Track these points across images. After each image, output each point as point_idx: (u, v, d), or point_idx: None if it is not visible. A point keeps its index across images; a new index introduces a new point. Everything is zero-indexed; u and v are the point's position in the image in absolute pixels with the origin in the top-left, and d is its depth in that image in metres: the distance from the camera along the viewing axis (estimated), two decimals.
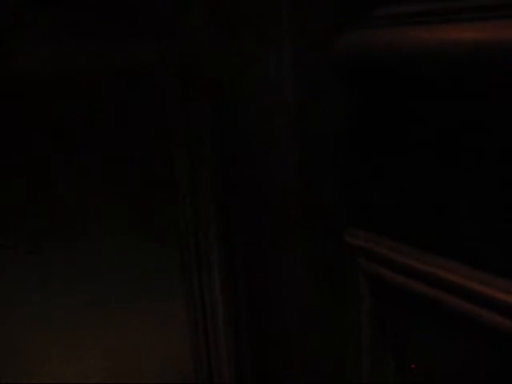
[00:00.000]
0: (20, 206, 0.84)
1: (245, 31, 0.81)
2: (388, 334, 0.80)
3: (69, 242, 0.87)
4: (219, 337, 0.98)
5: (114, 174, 0.89)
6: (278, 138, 0.80)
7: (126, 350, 0.95)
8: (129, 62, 0.85)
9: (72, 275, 0.88)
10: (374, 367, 0.82)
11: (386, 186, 0.74)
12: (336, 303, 0.83)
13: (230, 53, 0.85)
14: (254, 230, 0.91)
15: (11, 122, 0.81)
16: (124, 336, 0.95)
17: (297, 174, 0.79)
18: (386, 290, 0.77)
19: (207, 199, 0.89)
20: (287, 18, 0.73)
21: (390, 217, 0.75)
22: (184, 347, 0.98)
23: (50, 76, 0.80)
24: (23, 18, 0.76)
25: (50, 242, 0.86)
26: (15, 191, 0.83)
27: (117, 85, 0.86)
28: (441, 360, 0.74)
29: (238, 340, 0.98)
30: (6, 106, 0.79)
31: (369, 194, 0.77)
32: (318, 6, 0.69)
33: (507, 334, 0.59)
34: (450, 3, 0.56)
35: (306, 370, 0.88)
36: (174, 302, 0.96)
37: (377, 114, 0.70)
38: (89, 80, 0.83)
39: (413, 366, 0.77)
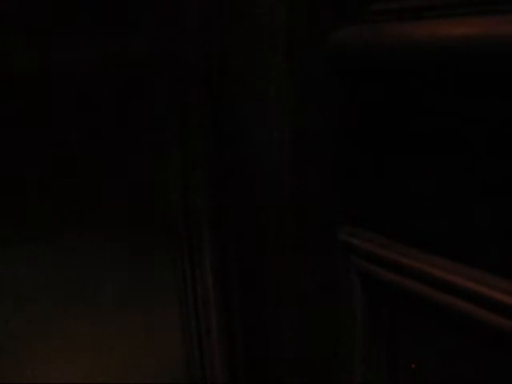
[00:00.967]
0: (8, 199, 0.84)
1: (239, 28, 0.81)
2: (381, 331, 0.80)
3: (57, 237, 0.87)
4: (212, 334, 0.97)
5: (105, 169, 0.89)
6: (271, 134, 0.80)
7: (116, 348, 0.95)
8: (120, 58, 0.85)
9: (61, 271, 0.88)
10: (366, 363, 0.82)
11: (379, 183, 0.74)
12: (329, 300, 0.83)
13: (223, 50, 0.85)
14: (245, 228, 0.91)
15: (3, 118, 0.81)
16: (113, 333, 0.94)
17: (290, 170, 0.79)
18: (378, 287, 0.77)
19: (199, 196, 0.90)
20: (283, 13, 0.72)
21: (383, 215, 0.75)
22: (176, 346, 0.98)
23: (36, 72, 0.80)
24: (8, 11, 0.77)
25: (38, 238, 0.86)
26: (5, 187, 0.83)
27: (107, 82, 0.86)
28: (432, 356, 0.74)
29: (231, 337, 0.98)
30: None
31: (362, 191, 0.77)
32: (315, 0, 0.69)
33: (497, 329, 0.59)
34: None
35: (299, 367, 0.88)
36: (165, 299, 0.96)
37: (371, 110, 0.70)
38: (79, 76, 0.83)
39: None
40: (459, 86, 0.59)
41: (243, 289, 0.95)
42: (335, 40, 0.68)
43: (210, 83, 0.87)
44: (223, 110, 0.89)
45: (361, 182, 0.77)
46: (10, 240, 0.85)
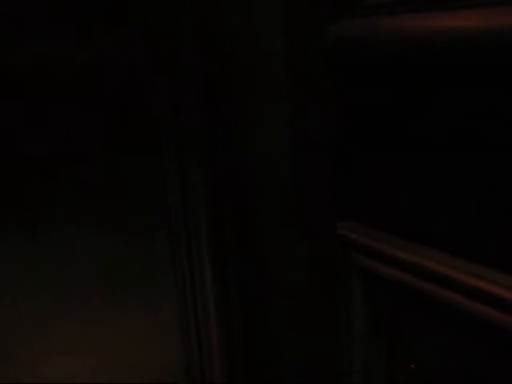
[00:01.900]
0: (6, 200, 0.84)
1: (237, 24, 0.80)
2: (380, 326, 0.79)
3: (56, 237, 0.87)
4: (211, 334, 0.97)
5: (103, 169, 0.89)
6: (269, 130, 0.80)
7: (115, 348, 0.95)
8: (117, 57, 0.85)
9: (59, 272, 0.88)
10: (366, 359, 0.82)
11: (378, 178, 0.74)
12: (328, 295, 0.83)
13: (223, 50, 0.85)
14: (245, 227, 0.91)
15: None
16: (112, 333, 0.94)
17: (288, 166, 0.79)
18: (377, 282, 0.76)
19: (198, 194, 0.89)
20: (281, 9, 0.72)
21: (381, 209, 0.75)
22: (174, 346, 0.98)
23: (34, 71, 0.80)
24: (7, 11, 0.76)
25: (36, 237, 0.86)
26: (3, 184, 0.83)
27: (104, 81, 0.86)
28: (432, 353, 0.74)
29: (230, 337, 0.98)
30: None
31: (361, 186, 0.77)
32: None
33: (496, 325, 0.59)
34: None
35: (299, 364, 0.88)
36: (164, 300, 0.96)
37: (369, 105, 0.70)
38: (75, 76, 0.83)
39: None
40: (456, 79, 0.58)
41: (242, 287, 0.95)
42: (331, 35, 0.67)
43: (210, 83, 0.87)
44: (222, 109, 0.88)
45: (360, 177, 0.76)
46: (5, 238, 0.85)
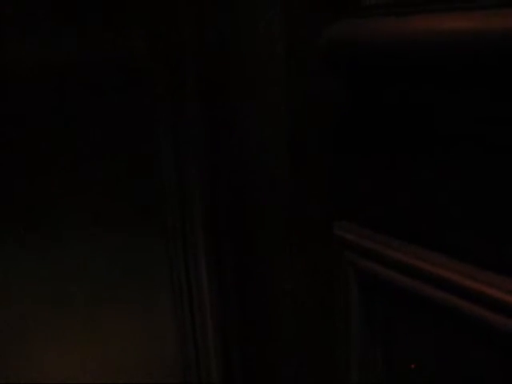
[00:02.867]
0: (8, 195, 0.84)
1: (237, 27, 0.81)
2: (376, 326, 0.79)
3: (54, 233, 0.87)
4: (207, 331, 0.97)
5: (101, 166, 0.89)
6: (268, 129, 0.80)
7: (111, 350, 0.95)
8: (116, 52, 0.85)
9: (57, 266, 0.88)
10: (362, 359, 0.82)
11: (376, 179, 0.74)
12: (325, 295, 0.83)
13: (222, 49, 0.85)
14: (241, 226, 0.91)
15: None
16: (109, 335, 0.94)
17: (285, 164, 0.79)
18: (373, 282, 0.77)
19: (195, 194, 0.90)
20: (281, 9, 0.72)
21: (378, 211, 0.75)
22: (171, 344, 0.98)
23: (32, 66, 0.80)
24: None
25: (34, 234, 0.86)
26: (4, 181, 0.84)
27: (104, 81, 0.86)
28: (430, 352, 0.74)
29: (226, 336, 0.98)
30: None
31: (358, 187, 0.77)
32: None
33: (494, 327, 0.59)
34: None
35: (296, 365, 0.88)
36: (160, 294, 0.96)
37: (365, 104, 0.70)
38: (75, 70, 0.83)
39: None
40: (452, 79, 0.58)
41: (239, 288, 0.95)
42: (328, 34, 0.67)
43: (208, 80, 0.87)
44: (220, 108, 0.88)
45: (358, 177, 0.76)
46: (7, 238, 0.86)
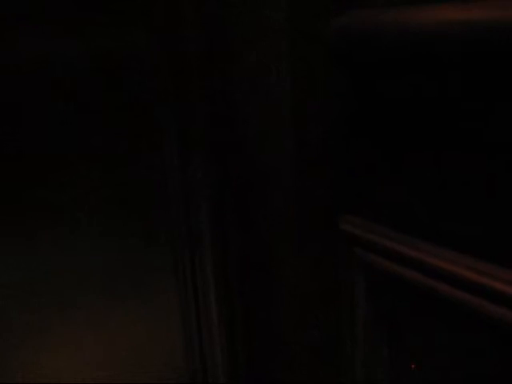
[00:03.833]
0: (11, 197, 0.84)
1: (241, 21, 0.80)
2: (383, 322, 0.79)
3: (60, 239, 0.87)
4: (213, 334, 0.97)
5: (104, 171, 0.88)
6: (273, 124, 0.79)
7: (115, 350, 0.94)
8: (117, 49, 0.84)
9: (62, 272, 0.88)
10: (368, 355, 0.81)
11: (382, 174, 0.73)
12: (331, 291, 0.82)
13: (225, 43, 0.84)
14: (246, 222, 0.91)
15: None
16: (113, 335, 0.94)
17: (292, 160, 0.78)
18: (380, 277, 0.76)
19: (200, 191, 0.89)
20: (286, 3, 0.71)
21: (385, 205, 0.74)
22: (176, 338, 0.98)
23: (34, 71, 0.80)
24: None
25: (40, 238, 0.86)
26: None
27: (104, 81, 0.85)
28: (436, 347, 0.74)
29: (232, 337, 0.97)
30: None
31: (365, 181, 0.76)
32: None
33: (500, 321, 0.58)
34: None
35: (302, 361, 0.88)
36: (165, 291, 0.96)
37: (371, 98, 0.70)
38: (76, 71, 0.83)
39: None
40: (460, 73, 0.58)
41: (245, 284, 0.94)
42: (335, 26, 0.67)
43: (212, 76, 0.87)
44: (224, 105, 0.88)
45: (365, 171, 0.76)
46: (7, 237, 0.85)
